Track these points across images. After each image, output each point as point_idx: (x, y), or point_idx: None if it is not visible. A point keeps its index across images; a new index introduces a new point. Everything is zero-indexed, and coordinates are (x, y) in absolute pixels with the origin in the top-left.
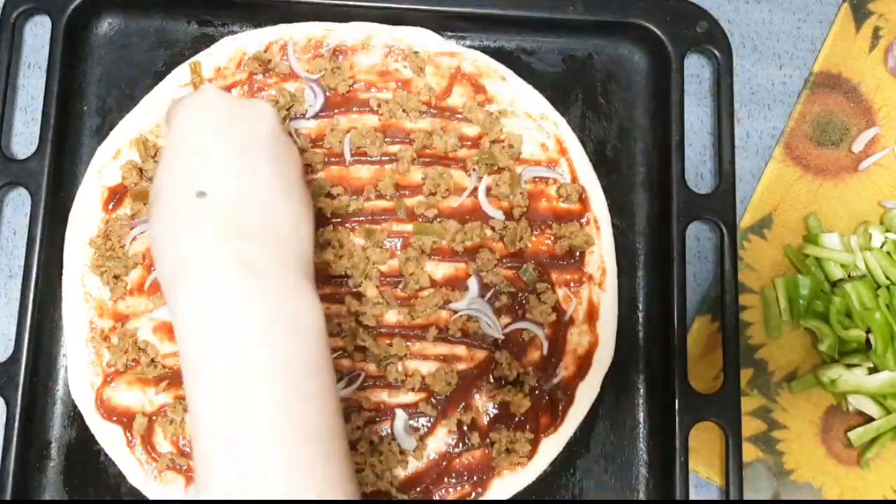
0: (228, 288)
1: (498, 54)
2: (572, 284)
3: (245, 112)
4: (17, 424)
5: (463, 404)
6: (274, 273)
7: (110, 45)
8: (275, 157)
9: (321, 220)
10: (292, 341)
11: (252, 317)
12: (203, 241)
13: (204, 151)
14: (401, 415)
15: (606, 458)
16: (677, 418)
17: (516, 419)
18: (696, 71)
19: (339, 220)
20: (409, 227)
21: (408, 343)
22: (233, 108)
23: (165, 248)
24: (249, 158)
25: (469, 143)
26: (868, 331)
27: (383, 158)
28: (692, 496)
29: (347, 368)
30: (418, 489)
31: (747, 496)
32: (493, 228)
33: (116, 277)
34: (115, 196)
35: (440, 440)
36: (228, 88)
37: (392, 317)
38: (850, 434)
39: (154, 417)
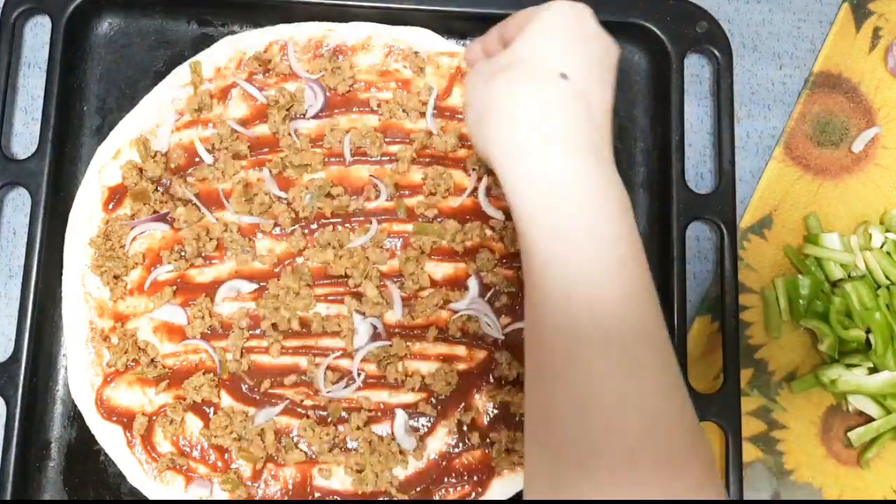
0: (588, 172)
1: None
2: None
3: (602, 38)
4: (16, 424)
5: (463, 404)
6: (611, 168)
7: (110, 45)
8: (612, 83)
9: (321, 219)
10: (629, 220)
11: (608, 201)
12: (561, 113)
13: (570, 49)
14: (401, 415)
15: None
16: None
17: (516, 419)
18: (697, 71)
19: (339, 220)
20: (409, 227)
21: (408, 343)
22: (596, 30)
23: (519, 107)
24: (603, 72)
25: (469, 143)
26: (868, 331)
27: (383, 158)
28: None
29: (347, 368)
30: (418, 489)
31: (747, 496)
32: (493, 228)
33: (116, 277)
34: (116, 196)
35: (440, 440)
36: (228, 88)
37: (392, 317)
38: (850, 434)
39: (154, 417)
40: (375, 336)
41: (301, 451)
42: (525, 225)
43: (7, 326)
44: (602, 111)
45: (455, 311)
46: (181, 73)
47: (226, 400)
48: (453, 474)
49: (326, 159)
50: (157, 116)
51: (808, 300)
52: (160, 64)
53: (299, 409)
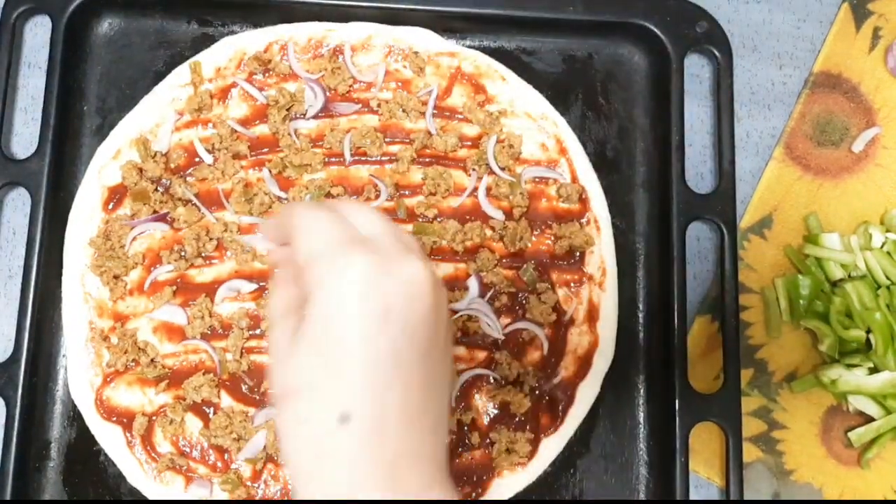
0: None
1: (498, 54)
2: (572, 284)
3: (399, 296)
4: (16, 424)
5: (463, 404)
6: (418, 485)
7: (110, 45)
8: (427, 357)
9: None
10: None
11: None
12: (348, 477)
13: (347, 370)
14: None
15: (607, 459)
16: (677, 418)
17: (516, 419)
18: (696, 71)
19: None
20: (409, 227)
21: None
22: (387, 293)
23: (304, 463)
24: (401, 370)
25: (469, 143)
26: (868, 331)
27: (383, 158)
28: (692, 496)
29: None
30: None
31: (747, 496)
32: (493, 228)
33: (116, 277)
34: (115, 196)
35: None
36: (228, 88)
37: None
38: (850, 434)
39: (154, 418)
40: None
41: None
42: None
43: (7, 326)
44: (407, 425)
45: (455, 311)
46: (181, 73)
47: (226, 400)
48: (453, 474)
49: (326, 159)
50: (157, 116)
51: (809, 300)
52: (160, 64)
53: None
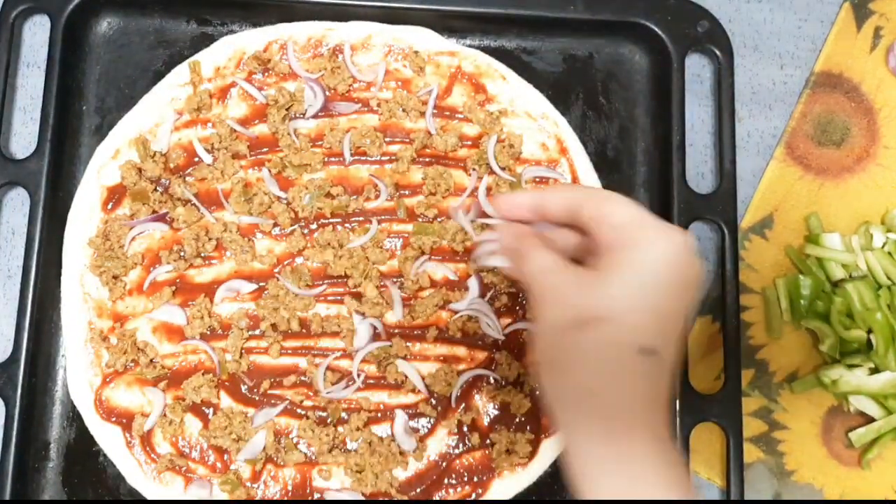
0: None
1: (498, 54)
2: None
3: (700, 278)
4: (16, 425)
5: (463, 405)
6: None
7: (109, 45)
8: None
9: (321, 219)
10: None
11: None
12: (635, 400)
13: (661, 310)
14: (401, 416)
15: None
16: (678, 419)
17: (517, 420)
18: (697, 70)
19: (338, 220)
20: (409, 227)
21: (408, 343)
22: (696, 270)
23: (597, 380)
24: (685, 327)
25: (469, 142)
26: (869, 331)
27: (383, 158)
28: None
29: (346, 369)
30: (418, 490)
31: (748, 497)
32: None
33: (115, 278)
34: (115, 196)
35: (440, 441)
36: (227, 88)
37: (392, 317)
38: (851, 435)
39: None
40: (375, 336)
41: (301, 451)
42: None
43: (6, 327)
44: (674, 375)
45: (455, 312)
46: (180, 72)
47: (225, 401)
48: (453, 475)
49: (326, 159)
50: (156, 116)
51: (810, 301)
52: (159, 63)
53: (299, 410)
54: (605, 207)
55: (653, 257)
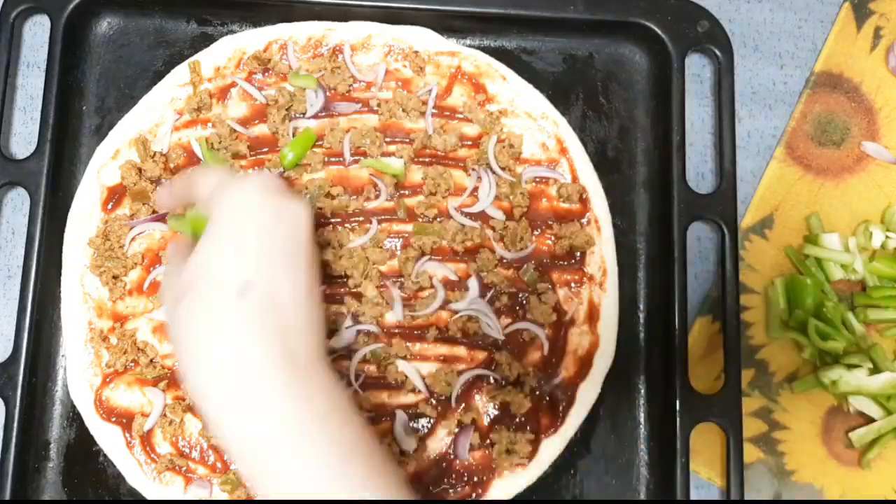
0: (274, 388)
1: (498, 54)
2: (573, 285)
3: (287, 211)
4: (16, 425)
5: (463, 405)
6: (312, 367)
7: (109, 45)
8: (308, 261)
9: (321, 219)
10: (336, 420)
11: (300, 415)
12: (245, 342)
13: (247, 248)
14: (400, 416)
15: (607, 459)
16: (678, 419)
17: (517, 420)
18: (697, 70)
19: (338, 220)
20: (409, 227)
21: (408, 343)
22: (278, 206)
23: (202, 348)
24: (289, 258)
25: (469, 142)
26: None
27: (383, 158)
28: (693, 497)
29: (346, 369)
30: (418, 491)
31: (748, 497)
32: (493, 228)
33: (115, 278)
34: (115, 196)
35: (440, 441)
36: (227, 88)
37: (392, 317)
38: (851, 435)
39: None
40: (373, 339)
41: None
42: (245, 471)
43: (6, 327)
44: (295, 303)
45: (455, 312)
46: (180, 72)
47: None
48: (453, 475)
49: (326, 159)
50: (156, 116)
51: (802, 306)
52: (159, 63)
53: None
54: (195, 187)
55: (229, 206)
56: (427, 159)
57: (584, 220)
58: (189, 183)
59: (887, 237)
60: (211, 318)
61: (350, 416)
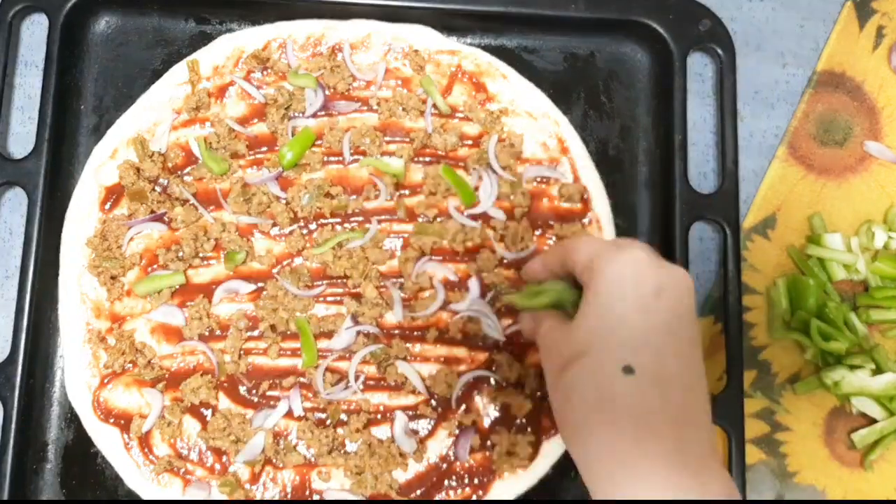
0: (653, 488)
1: (499, 52)
2: None
3: (671, 282)
4: (13, 426)
5: (463, 406)
6: (703, 466)
7: (107, 44)
8: (694, 338)
9: (320, 219)
10: None
11: None
12: (627, 426)
13: (630, 323)
14: (401, 417)
15: None
16: None
17: (517, 421)
18: (699, 69)
19: (338, 220)
20: (408, 227)
21: (408, 345)
22: (658, 278)
23: (586, 422)
24: (674, 335)
25: (470, 141)
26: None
27: (383, 157)
28: None
29: (346, 370)
30: (418, 492)
31: (750, 498)
32: (494, 229)
33: (113, 278)
34: (113, 195)
35: (440, 443)
36: (225, 87)
37: (392, 318)
38: (853, 436)
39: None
40: (373, 340)
41: (300, 453)
42: None
43: (3, 327)
44: (685, 385)
45: (455, 313)
46: (179, 71)
47: (224, 402)
48: (454, 477)
49: (325, 158)
50: (154, 115)
51: (804, 307)
52: (157, 62)
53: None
54: (573, 254)
55: (610, 279)
56: (427, 159)
57: (586, 220)
58: (566, 251)
59: (890, 237)
60: (599, 389)
61: None
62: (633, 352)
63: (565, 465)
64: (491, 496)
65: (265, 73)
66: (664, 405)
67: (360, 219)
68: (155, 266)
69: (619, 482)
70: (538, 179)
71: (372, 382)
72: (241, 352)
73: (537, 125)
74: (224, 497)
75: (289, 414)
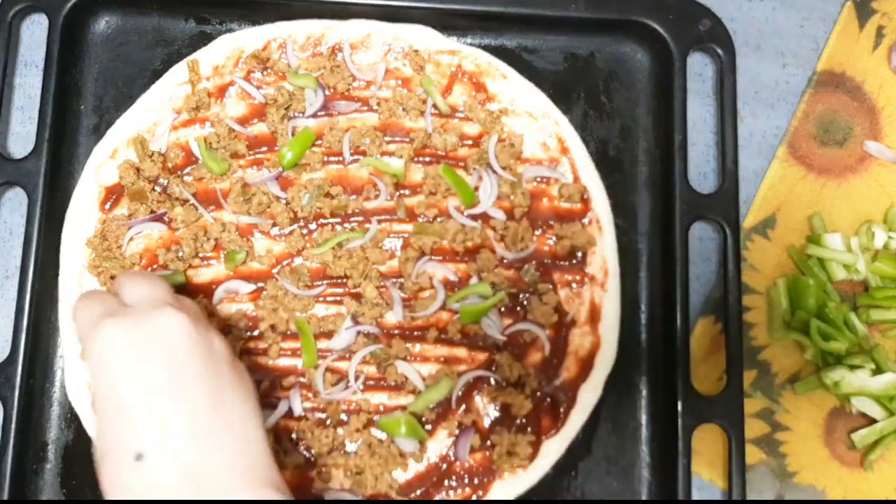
0: None
1: (499, 52)
2: (574, 285)
3: (155, 335)
4: (13, 426)
5: (464, 406)
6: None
7: (107, 44)
8: (200, 373)
9: (320, 219)
10: None
11: None
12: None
13: (126, 405)
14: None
15: (608, 461)
16: (680, 420)
17: (517, 421)
18: (699, 69)
19: (338, 220)
20: (409, 227)
21: (408, 345)
22: (139, 338)
23: (110, 491)
24: (174, 393)
25: (470, 141)
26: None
27: (383, 157)
28: (694, 498)
29: (346, 370)
30: (418, 492)
31: (750, 498)
32: (493, 229)
33: (113, 278)
34: (112, 195)
35: (440, 443)
36: (225, 87)
37: (392, 318)
38: (853, 436)
39: None
40: (373, 340)
41: (300, 453)
42: None
43: (3, 328)
44: (197, 438)
45: (455, 312)
46: (179, 71)
47: None
48: (454, 477)
49: (325, 158)
50: (154, 115)
51: (804, 307)
52: (157, 62)
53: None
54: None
55: (97, 372)
56: (427, 159)
57: (586, 220)
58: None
59: (890, 237)
60: (114, 477)
61: None
62: (140, 437)
63: (565, 465)
64: (491, 496)
65: (265, 73)
66: (180, 478)
67: (360, 219)
68: (155, 266)
69: None
70: (538, 179)
71: (372, 382)
72: (241, 352)
73: (537, 125)
74: None
75: (289, 414)
